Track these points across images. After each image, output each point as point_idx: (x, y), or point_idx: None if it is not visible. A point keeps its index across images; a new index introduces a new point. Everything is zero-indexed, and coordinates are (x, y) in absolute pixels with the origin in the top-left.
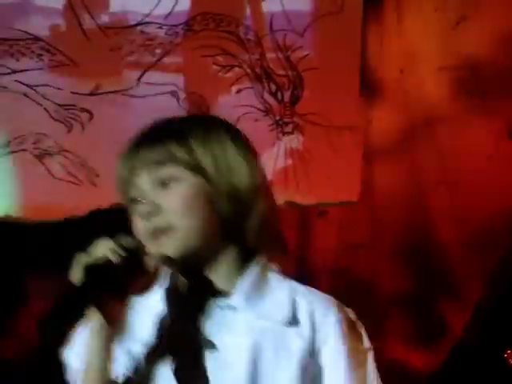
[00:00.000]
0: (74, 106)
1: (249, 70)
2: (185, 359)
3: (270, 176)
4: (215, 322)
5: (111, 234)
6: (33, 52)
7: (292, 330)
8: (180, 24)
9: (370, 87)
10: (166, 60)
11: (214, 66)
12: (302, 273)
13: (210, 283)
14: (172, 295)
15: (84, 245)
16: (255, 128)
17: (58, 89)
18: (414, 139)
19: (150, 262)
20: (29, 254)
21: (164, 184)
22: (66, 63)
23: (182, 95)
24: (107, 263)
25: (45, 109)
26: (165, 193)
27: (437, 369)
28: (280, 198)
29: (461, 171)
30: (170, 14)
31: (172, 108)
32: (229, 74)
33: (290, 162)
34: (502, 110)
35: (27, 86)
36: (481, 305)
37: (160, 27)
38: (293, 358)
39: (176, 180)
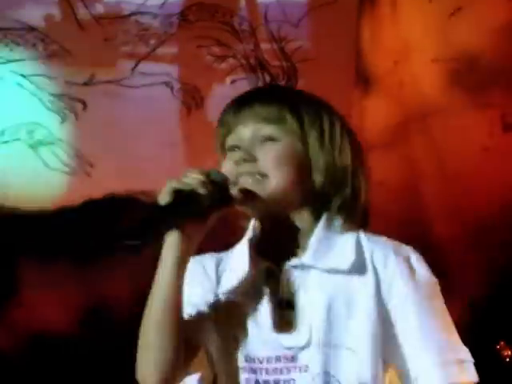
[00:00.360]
0: (68, 95)
1: (243, 61)
2: (263, 316)
3: None
4: (291, 280)
5: (105, 225)
6: (27, 41)
7: (359, 281)
8: (175, 14)
9: (364, 78)
10: (161, 50)
11: (209, 57)
12: None
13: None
14: (253, 249)
15: (78, 234)
16: None
17: (53, 78)
18: (409, 131)
19: (235, 196)
20: (21, 243)
21: (265, 140)
22: (60, 53)
23: (177, 85)
24: (193, 191)
25: (39, 99)
26: (263, 147)
27: None
28: None
29: (457, 164)
30: (164, 3)
31: (166, 98)
32: (223, 65)
33: None
34: (497, 101)
35: (21, 75)
36: (474, 300)
37: (154, 17)
38: (363, 308)
39: (277, 139)
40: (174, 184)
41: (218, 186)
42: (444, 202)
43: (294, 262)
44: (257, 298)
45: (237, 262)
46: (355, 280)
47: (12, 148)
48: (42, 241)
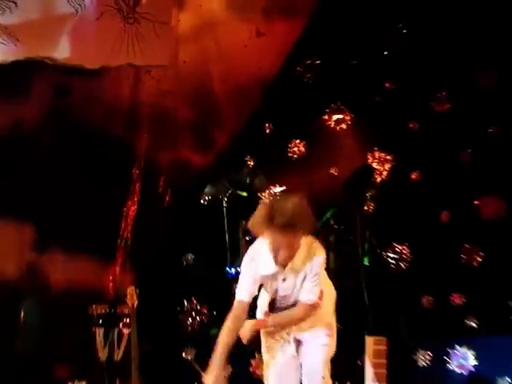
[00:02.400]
0: None
1: None
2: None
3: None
4: (287, 271)
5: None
6: None
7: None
8: None
9: None
10: None
11: None
12: (133, 113)
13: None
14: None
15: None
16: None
17: None
18: (202, 35)
19: None
20: None
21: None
22: None
23: None
24: None
25: None
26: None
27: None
28: (123, 60)
29: (230, 54)
30: None
31: None
32: None
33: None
34: (253, 19)
35: None
36: None
37: None
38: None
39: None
40: None
41: None
42: (220, 75)
43: (289, 265)
44: (275, 276)
45: (264, 261)
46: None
47: None
48: None
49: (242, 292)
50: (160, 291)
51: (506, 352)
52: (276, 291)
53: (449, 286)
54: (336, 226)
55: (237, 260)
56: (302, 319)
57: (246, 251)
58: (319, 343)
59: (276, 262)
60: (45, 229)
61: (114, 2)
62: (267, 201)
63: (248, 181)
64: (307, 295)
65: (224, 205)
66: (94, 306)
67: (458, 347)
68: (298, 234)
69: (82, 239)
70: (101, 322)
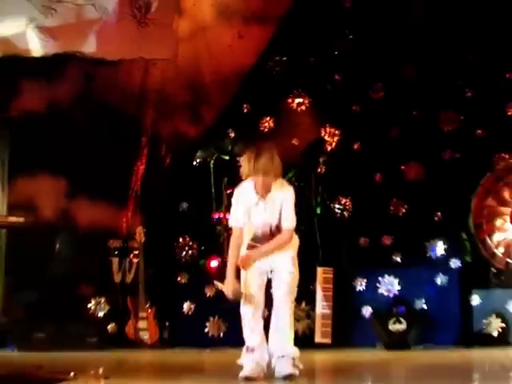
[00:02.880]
0: None
1: None
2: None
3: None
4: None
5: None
6: None
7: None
8: None
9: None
10: None
11: None
12: (142, 95)
13: None
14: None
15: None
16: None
17: None
18: (196, 39)
19: None
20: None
21: None
22: None
23: None
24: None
25: None
26: None
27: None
28: (136, 54)
29: (216, 52)
30: None
31: None
32: None
33: (142, 36)
34: (236, 21)
35: None
36: None
37: None
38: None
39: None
40: None
41: None
42: (210, 67)
43: (268, 196)
44: (258, 205)
45: (248, 194)
46: None
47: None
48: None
49: (237, 220)
50: (161, 230)
51: (422, 280)
52: (260, 220)
53: (380, 230)
54: (296, 183)
55: (220, 208)
56: (286, 243)
57: (227, 202)
58: (287, 271)
59: (257, 193)
60: (74, 181)
61: (130, 10)
62: (249, 153)
63: (230, 148)
64: (287, 223)
65: (211, 166)
66: (111, 240)
67: (386, 276)
68: (271, 176)
69: (102, 190)
70: (116, 253)
